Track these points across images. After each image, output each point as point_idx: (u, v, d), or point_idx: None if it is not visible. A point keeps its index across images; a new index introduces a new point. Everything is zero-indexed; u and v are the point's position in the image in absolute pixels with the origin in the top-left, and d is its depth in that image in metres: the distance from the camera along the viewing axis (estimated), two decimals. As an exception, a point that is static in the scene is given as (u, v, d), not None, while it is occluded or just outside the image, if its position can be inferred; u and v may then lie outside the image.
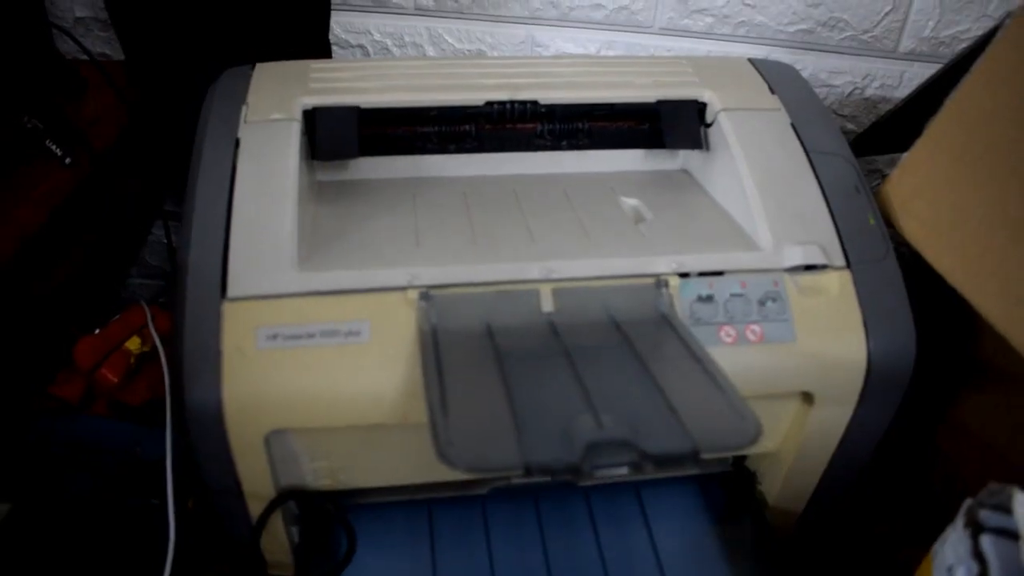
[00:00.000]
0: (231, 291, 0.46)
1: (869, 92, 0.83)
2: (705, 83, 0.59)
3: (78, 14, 0.83)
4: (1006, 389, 0.55)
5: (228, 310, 0.45)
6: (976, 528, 0.36)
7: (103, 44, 0.85)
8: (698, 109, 0.59)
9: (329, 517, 0.54)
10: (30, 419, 0.63)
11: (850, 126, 0.85)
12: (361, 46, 0.83)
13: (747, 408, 0.38)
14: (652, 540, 0.57)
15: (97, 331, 0.67)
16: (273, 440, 0.47)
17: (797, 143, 0.55)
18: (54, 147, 0.65)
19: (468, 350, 0.43)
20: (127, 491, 0.59)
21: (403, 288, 0.46)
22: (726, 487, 0.60)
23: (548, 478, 0.57)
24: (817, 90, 0.80)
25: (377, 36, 0.83)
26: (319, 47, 0.76)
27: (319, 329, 0.45)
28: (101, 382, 0.66)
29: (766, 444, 0.55)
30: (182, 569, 0.53)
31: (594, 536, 0.56)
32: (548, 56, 0.83)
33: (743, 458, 0.59)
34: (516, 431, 0.36)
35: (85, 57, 0.77)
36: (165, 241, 0.93)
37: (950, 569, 0.37)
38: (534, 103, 0.58)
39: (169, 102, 0.73)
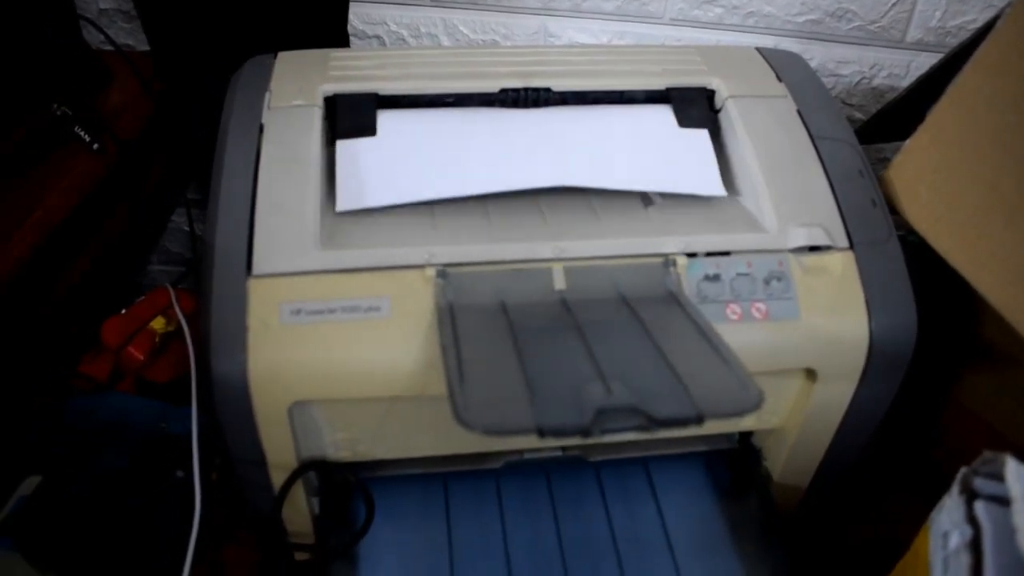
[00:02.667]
0: (256, 269, 0.47)
1: (877, 82, 0.84)
2: (714, 71, 0.60)
3: (102, 6, 0.85)
4: (1006, 369, 0.56)
5: (253, 287, 0.47)
6: (971, 495, 0.37)
7: (126, 35, 0.87)
8: (707, 96, 0.60)
9: (348, 487, 0.56)
10: (60, 396, 0.65)
11: (858, 115, 0.85)
12: (378, 36, 0.85)
13: (750, 378, 0.40)
14: (661, 514, 0.58)
15: (123, 311, 0.70)
16: (296, 411, 0.48)
17: (803, 129, 0.56)
18: (83, 133, 0.66)
19: (483, 324, 0.45)
20: (153, 465, 0.61)
21: (421, 266, 0.48)
22: (732, 463, 0.61)
23: (559, 452, 0.59)
24: (825, 80, 0.81)
25: (393, 27, 0.84)
26: (338, 37, 0.78)
27: (341, 305, 0.47)
28: (128, 360, 0.68)
29: (771, 420, 0.56)
30: (207, 538, 0.55)
31: (604, 510, 0.58)
32: (561, 46, 0.84)
33: (749, 435, 0.60)
34: (530, 397, 0.38)
35: (109, 48, 0.79)
36: (187, 228, 0.95)
37: (946, 535, 0.38)
38: (547, 90, 0.59)
39: (192, 91, 0.75)
